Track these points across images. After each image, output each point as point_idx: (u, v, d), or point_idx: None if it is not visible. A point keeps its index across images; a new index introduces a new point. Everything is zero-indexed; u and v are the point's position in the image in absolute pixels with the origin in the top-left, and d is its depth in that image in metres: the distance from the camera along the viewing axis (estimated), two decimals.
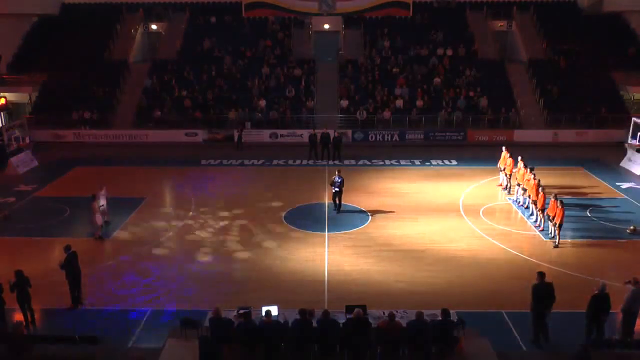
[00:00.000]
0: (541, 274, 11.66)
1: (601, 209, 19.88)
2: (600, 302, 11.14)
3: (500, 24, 38.10)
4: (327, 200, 20.89)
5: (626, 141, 26.06)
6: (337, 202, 19.69)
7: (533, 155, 24.41)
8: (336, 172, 19.80)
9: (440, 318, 10.40)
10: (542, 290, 11.52)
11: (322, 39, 38.17)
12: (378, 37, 36.81)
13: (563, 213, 16.32)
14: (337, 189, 19.45)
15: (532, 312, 11.71)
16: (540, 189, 17.83)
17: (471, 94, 32.35)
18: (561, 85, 32.45)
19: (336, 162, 25.94)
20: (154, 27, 38.79)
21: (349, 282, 14.60)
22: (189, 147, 30.00)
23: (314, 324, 10.40)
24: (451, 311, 10.59)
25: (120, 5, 39.32)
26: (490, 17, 38.26)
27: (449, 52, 35.38)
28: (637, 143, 24.99)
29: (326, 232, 17.99)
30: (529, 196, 18.88)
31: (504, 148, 22.02)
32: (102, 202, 18.20)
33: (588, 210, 19.61)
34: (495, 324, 12.53)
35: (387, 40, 36.34)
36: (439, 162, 26.51)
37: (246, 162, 26.72)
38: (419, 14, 37.92)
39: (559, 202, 16.41)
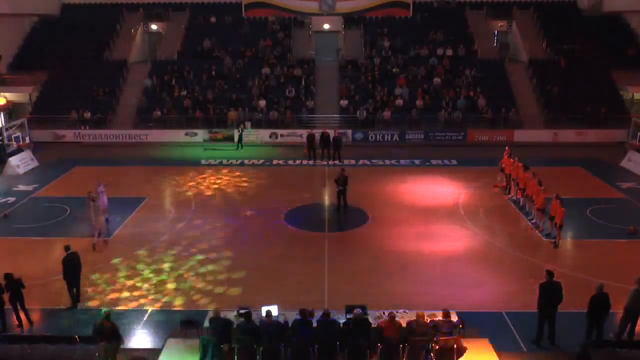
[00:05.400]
0: (550, 273, 11.60)
1: (601, 209, 19.87)
2: (599, 302, 11.13)
3: (500, 24, 38.13)
4: (327, 200, 20.90)
5: (626, 141, 26.08)
6: (342, 201, 19.71)
7: (533, 155, 24.41)
8: (340, 171, 19.82)
9: (440, 318, 10.40)
10: (550, 289, 11.48)
11: (322, 39, 38.19)
12: (378, 37, 36.83)
13: (564, 214, 16.31)
14: (340, 188, 19.46)
15: (538, 311, 11.69)
16: (540, 189, 17.82)
17: (471, 94, 32.36)
18: (561, 85, 32.47)
19: (336, 162, 25.95)
20: (154, 27, 38.81)
21: (349, 282, 14.59)
22: (189, 147, 30.02)
23: (314, 324, 10.40)
24: (451, 311, 10.58)
25: (120, 5, 39.35)
26: (490, 17, 38.28)
27: (449, 52, 35.41)
28: (637, 143, 25.01)
29: (326, 232, 17.99)
30: (526, 195, 18.89)
31: (506, 148, 21.96)
32: (102, 198, 18.21)
33: (588, 210, 19.61)
34: (495, 324, 12.52)
35: (387, 40, 36.35)
36: (439, 162, 26.51)
37: (246, 162, 26.73)
38: (419, 14, 37.95)
39: (560, 202, 16.41)
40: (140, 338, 12.26)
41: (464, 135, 30.43)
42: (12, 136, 26.78)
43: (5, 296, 12.32)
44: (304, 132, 28.23)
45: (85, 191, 17.88)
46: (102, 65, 35.01)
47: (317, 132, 27.24)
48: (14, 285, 12.34)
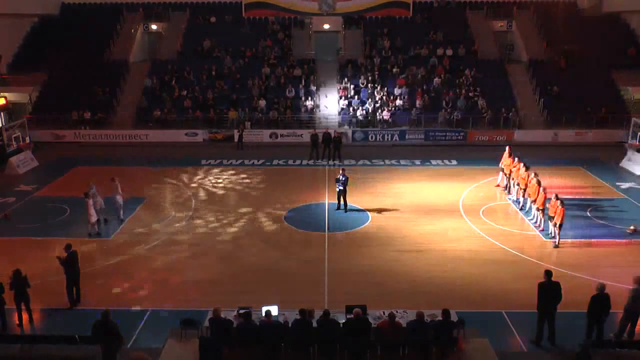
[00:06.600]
0: (548, 273, 11.59)
1: (601, 209, 19.88)
2: (600, 302, 11.13)
3: (500, 24, 38.13)
4: (327, 200, 20.90)
5: (626, 141, 26.08)
6: (342, 201, 19.70)
7: (533, 155, 24.41)
8: (340, 171, 19.83)
9: (440, 318, 10.40)
10: (549, 289, 11.48)
11: (322, 39, 38.18)
12: (378, 37, 36.82)
13: (564, 213, 16.32)
14: (341, 187, 19.47)
15: (538, 311, 11.69)
16: (540, 189, 17.83)
17: (471, 94, 32.35)
18: (561, 85, 32.47)
19: (336, 162, 25.97)
20: (154, 27, 38.79)
21: (349, 282, 14.59)
22: (189, 147, 30.01)
23: (314, 324, 10.40)
24: (451, 311, 10.58)
25: (120, 5, 39.33)
26: (490, 17, 38.28)
27: (449, 52, 35.41)
28: (637, 143, 25.02)
29: (326, 232, 17.99)
30: (529, 195, 18.89)
31: (507, 147, 21.93)
32: (98, 198, 18.25)
33: (588, 210, 19.61)
34: (495, 324, 12.53)
35: (387, 40, 36.34)
36: (439, 162, 26.51)
37: (246, 162, 26.74)
38: (419, 14, 37.95)
39: (559, 202, 16.41)
40: (140, 338, 12.26)
41: (464, 135, 30.42)
42: (12, 136, 26.76)
43: (9, 295, 12.31)
44: (304, 132, 28.22)
45: (85, 191, 17.83)
46: (102, 65, 35.00)
47: (320, 132, 27.20)
48: (20, 283, 12.34)
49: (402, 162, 26.55)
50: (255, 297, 13.14)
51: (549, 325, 11.64)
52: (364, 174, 24.23)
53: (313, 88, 33.44)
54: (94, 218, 17.65)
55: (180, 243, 17.28)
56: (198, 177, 24.25)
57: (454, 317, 10.63)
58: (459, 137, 30.43)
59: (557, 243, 16.68)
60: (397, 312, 10.89)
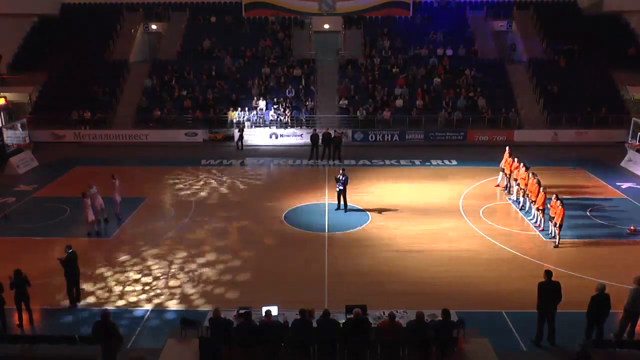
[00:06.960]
0: (548, 273, 11.59)
1: (601, 209, 19.88)
2: (600, 302, 11.13)
3: (500, 24, 38.14)
4: (327, 200, 20.90)
5: (626, 141, 26.09)
6: (342, 200, 19.71)
7: (533, 155, 24.42)
8: (340, 171, 19.83)
9: (440, 318, 10.40)
10: (549, 289, 11.48)
11: (322, 39, 38.18)
12: (378, 37, 36.83)
13: (564, 213, 16.32)
14: (341, 187, 19.48)
15: (538, 311, 11.69)
16: (540, 189, 17.83)
17: (471, 94, 32.36)
18: (561, 85, 32.47)
19: (336, 162, 25.97)
20: (154, 27, 38.81)
21: (349, 282, 14.59)
22: (189, 147, 30.01)
23: (314, 324, 10.40)
24: (451, 311, 10.58)
25: (120, 5, 39.36)
26: (490, 17, 38.29)
27: (449, 52, 35.42)
28: (637, 143, 25.02)
29: (326, 232, 17.99)
30: (527, 195, 18.90)
31: (507, 147, 21.94)
32: (99, 198, 18.27)
33: (588, 210, 19.61)
34: (495, 324, 12.53)
35: (387, 40, 36.35)
36: (439, 162, 26.50)
37: (246, 162, 26.72)
38: (419, 14, 37.97)
39: (559, 202, 16.42)
40: (140, 338, 12.26)
41: (464, 135, 30.42)
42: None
43: (9, 294, 12.31)
44: (304, 132, 28.22)
45: (83, 191, 17.84)
46: (102, 65, 35.01)
47: (320, 132, 27.20)
48: (21, 283, 12.34)
49: (402, 162, 26.55)
50: (255, 297, 13.15)
51: (549, 325, 11.64)
52: (364, 174, 24.22)
53: (313, 88, 33.46)
54: (90, 218, 17.64)
55: (180, 243, 17.27)
56: (198, 177, 24.25)
57: (454, 317, 10.63)
58: (459, 137, 30.43)
59: (557, 243, 16.68)
60: (397, 312, 10.88)
